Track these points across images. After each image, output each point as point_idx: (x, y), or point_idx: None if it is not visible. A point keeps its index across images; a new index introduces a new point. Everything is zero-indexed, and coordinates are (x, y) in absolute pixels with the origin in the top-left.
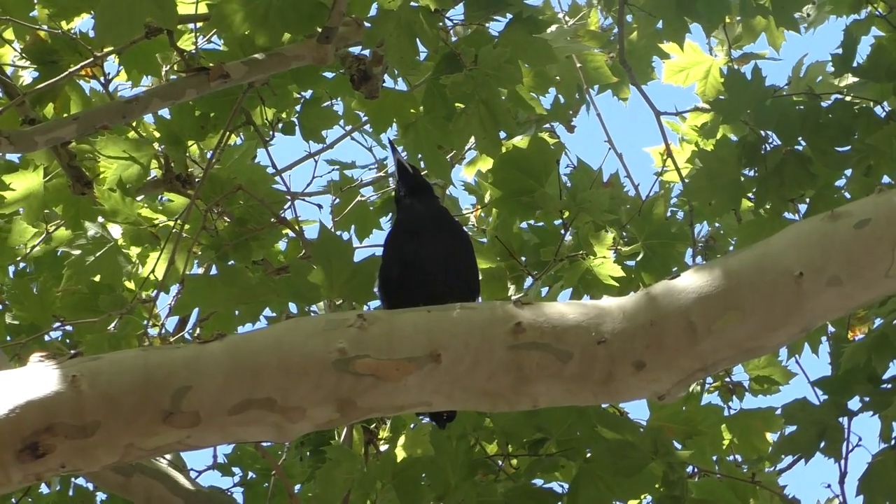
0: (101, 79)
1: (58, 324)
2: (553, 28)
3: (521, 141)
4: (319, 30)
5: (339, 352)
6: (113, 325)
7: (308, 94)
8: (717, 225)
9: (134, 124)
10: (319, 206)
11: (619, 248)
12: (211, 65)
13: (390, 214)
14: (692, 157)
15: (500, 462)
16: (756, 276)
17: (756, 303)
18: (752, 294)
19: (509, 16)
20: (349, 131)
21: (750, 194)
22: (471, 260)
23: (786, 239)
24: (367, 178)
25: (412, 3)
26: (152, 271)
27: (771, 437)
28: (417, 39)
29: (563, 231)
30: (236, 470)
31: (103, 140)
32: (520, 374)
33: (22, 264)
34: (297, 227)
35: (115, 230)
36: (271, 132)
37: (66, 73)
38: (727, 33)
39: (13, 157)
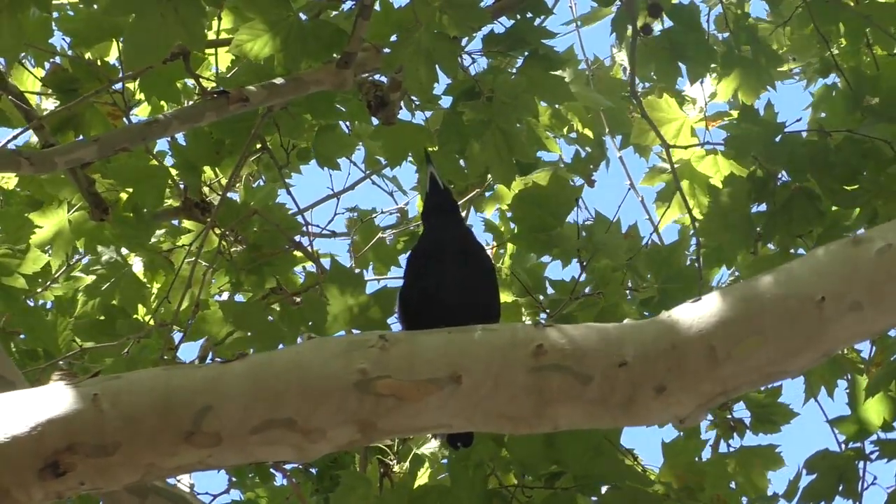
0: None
1: (77, 350)
2: (571, 75)
3: (539, 175)
4: (337, 56)
5: (360, 372)
6: (128, 349)
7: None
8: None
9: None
10: (334, 234)
11: (635, 289)
12: (230, 90)
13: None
14: (691, 189)
15: (514, 493)
16: (778, 301)
17: (777, 328)
18: (774, 319)
19: (527, 53)
20: (368, 174)
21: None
22: (492, 286)
23: (807, 264)
24: (388, 221)
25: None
26: (166, 297)
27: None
28: (437, 66)
29: (580, 270)
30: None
31: (121, 166)
32: (541, 397)
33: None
34: (311, 252)
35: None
36: (287, 161)
37: (85, 95)
38: (703, 89)
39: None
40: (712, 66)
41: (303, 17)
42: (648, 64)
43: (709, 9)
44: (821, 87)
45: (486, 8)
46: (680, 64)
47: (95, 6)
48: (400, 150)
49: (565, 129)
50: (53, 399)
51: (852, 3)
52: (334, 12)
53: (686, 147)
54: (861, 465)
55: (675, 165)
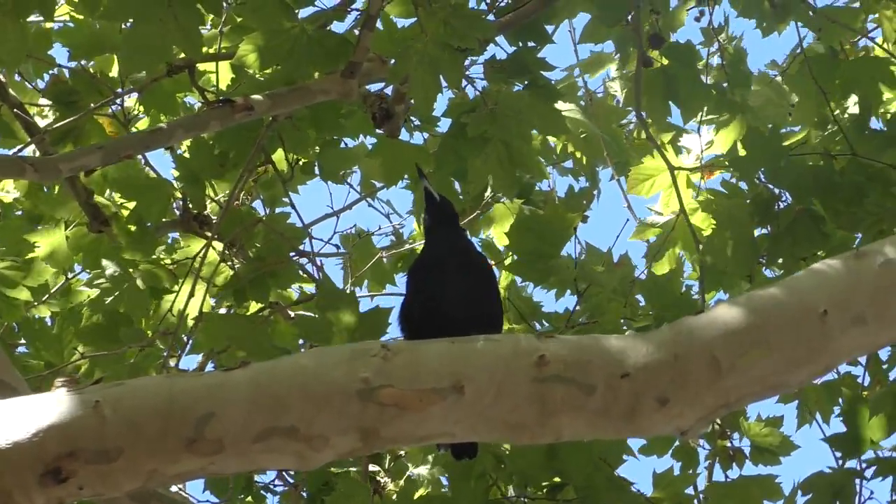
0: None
1: (78, 357)
2: (570, 106)
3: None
4: (342, 67)
5: (362, 381)
6: (133, 359)
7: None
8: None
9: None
10: (337, 248)
11: (631, 319)
12: (235, 98)
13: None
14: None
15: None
16: (781, 313)
17: (781, 340)
18: (777, 331)
19: (527, 82)
20: (364, 196)
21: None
22: (494, 295)
23: (811, 277)
24: (383, 242)
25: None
26: (170, 309)
27: None
28: (441, 77)
29: (576, 299)
30: None
31: (125, 178)
32: (543, 407)
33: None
34: (315, 266)
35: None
36: (291, 176)
37: (87, 111)
38: (700, 138)
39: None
40: (707, 110)
41: (308, 28)
42: (641, 99)
43: (707, 54)
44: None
45: (492, 22)
46: (672, 104)
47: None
48: (398, 169)
49: (558, 150)
50: (56, 405)
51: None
52: (339, 22)
53: (692, 170)
54: (858, 482)
55: (668, 218)
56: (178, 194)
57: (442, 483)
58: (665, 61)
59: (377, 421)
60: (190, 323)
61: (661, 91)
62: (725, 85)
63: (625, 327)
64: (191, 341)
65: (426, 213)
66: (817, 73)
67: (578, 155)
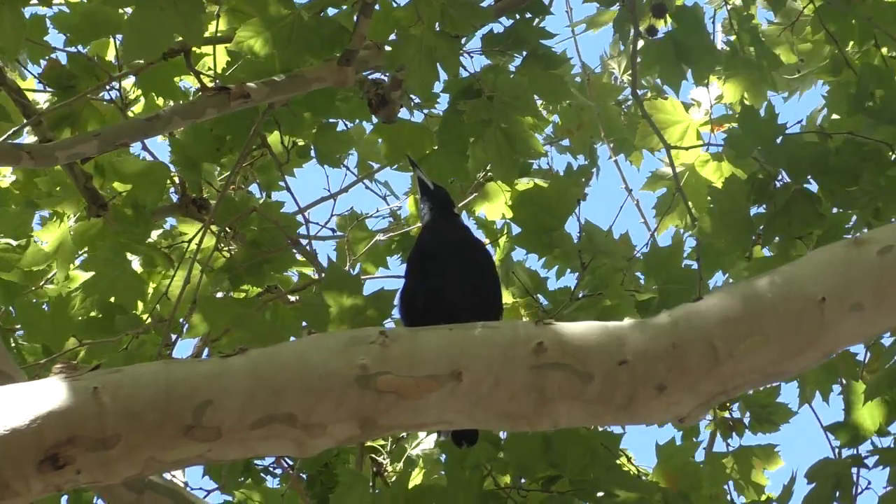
0: (120, 103)
1: (76, 344)
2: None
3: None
4: (339, 54)
5: (360, 368)
6: (126, 346)
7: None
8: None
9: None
10: (333, 232)
11: (634, 291)
12: (232, 85)
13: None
14: (695, 194)
15: (510, 494)
16: (779, 301)
17: (779, 327)
18: (775, 319)
19: (525, 53)
20: (361, 178)
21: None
22: (493, 281)
23: (809, 264)
24: (380, 225)
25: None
26: (165, 293)
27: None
28: (438, 64)
29: (580, 271)
30: None
31: (120, 161)
32: (541, 395)
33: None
34: (310, 252)
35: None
36: (287, 159)
37: (83, 93)
38: (709, 92)
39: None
40: (717, 68)
41: (304, 14)
42: (653, 67)
43: (714, 11)
44: (832, 87)
45: (488, 7)
46: (685, 67)
47: None
48: (400, 149)
49: (546, 126)
50: (53, 392)
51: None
52: (335, 10)
53: (688, 148)
54: (856, 471)
55: (679, 170)
56: (175, 178)
57: (441, 463)
58: (672, 26)
59: (375, 408)
60: (186, 308)
61: (672, 57)
62: (733, 39)
63: (631, 301)
64: (186, 326)
65: (421, 202)
66: (831, 19)
67: (577, 130)
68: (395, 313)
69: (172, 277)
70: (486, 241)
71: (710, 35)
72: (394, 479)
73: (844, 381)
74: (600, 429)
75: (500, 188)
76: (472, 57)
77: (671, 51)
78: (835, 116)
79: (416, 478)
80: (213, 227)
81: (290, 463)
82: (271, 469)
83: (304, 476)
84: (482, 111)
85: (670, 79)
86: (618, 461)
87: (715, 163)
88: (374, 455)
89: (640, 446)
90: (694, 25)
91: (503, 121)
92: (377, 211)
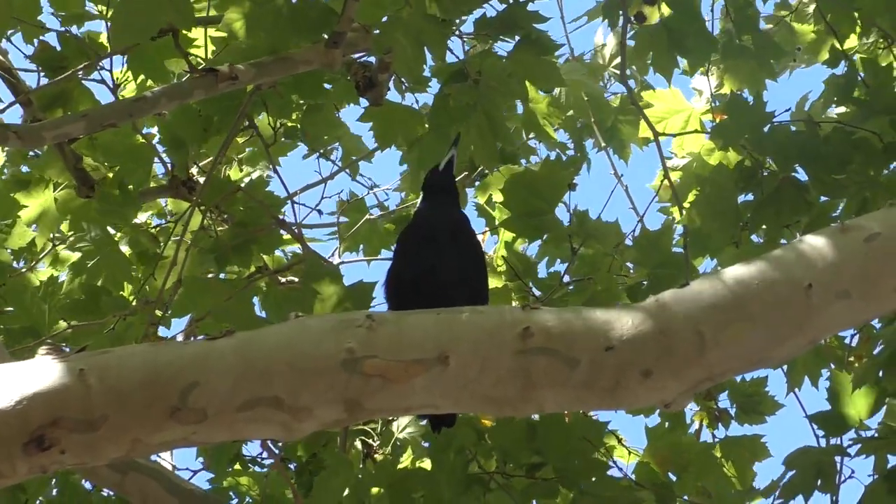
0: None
1: (65, 327)
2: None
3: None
4: (327, 36)
5: (347, 351)
6: (113, 326)
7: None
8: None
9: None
10: (320, 213)
11: (624, 275)
12: (220, 67)
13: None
14: (683, 178)
15: (493, 477)
16: (765, 287)
17: (765, 314)
18: (762, 305)
19: (518, 37)
20: (355, 159)
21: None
22: (482, 272)
23: (795, 251)
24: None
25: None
26: (152, 274)
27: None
28: (425, 48)
29: (571, 255)
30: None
31: (108, 142)
32: (527, 380)
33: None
34: (295, 231)
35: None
36: (274, 140)
37: (72, 70)
38: (709, 81)
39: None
40: (713, 56)
41: None
42: (644, 54)
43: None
44: (829, 78)
45: None
46: (678, 55)
47: None
48: (390, 132)
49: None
50: (39, 373)
51: None
52: None
53: (676, 135)
54: (839, 459)
55: (686, 160)
56: (164, 158)
57: (424, 449)
58: (665, 12)
59: (362, 392)
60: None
61: (665, 44)
62: (729, 27)
63: (620, 286)
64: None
65: (431, 177)
66: (830, 8)
67: (565, 118)
68: (376, 304)
69: (159, 258)
70: (487, 228)
71: (706, 22)
72: (374, 468)
73: (831, 370)
74: (586, 415)
75: (502, 177)
76: (463, 41)
77: (664, 38)
78: (841, 109)
79: (406, 461)
80: (201, 208)
81: (279, 452)
82: (259, 459)
83: (293, 466)
84: (467, 95)
85: (664, 68)
86: (601, 450)
87: (721, 152)
88: (363, 437)
89: (632, 429)
90: (689, 12)
91: (488, 106)
92: (368, 191)
